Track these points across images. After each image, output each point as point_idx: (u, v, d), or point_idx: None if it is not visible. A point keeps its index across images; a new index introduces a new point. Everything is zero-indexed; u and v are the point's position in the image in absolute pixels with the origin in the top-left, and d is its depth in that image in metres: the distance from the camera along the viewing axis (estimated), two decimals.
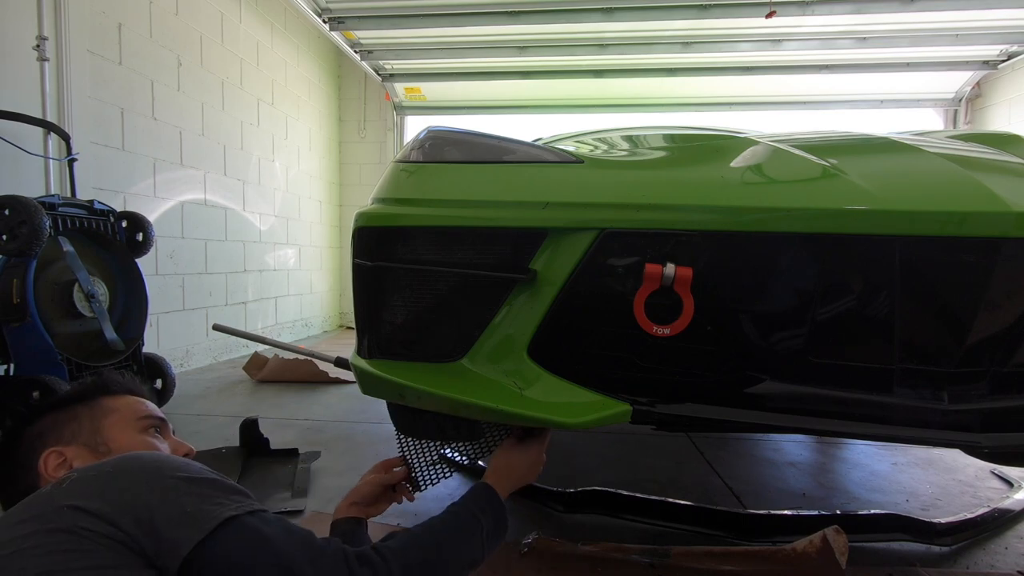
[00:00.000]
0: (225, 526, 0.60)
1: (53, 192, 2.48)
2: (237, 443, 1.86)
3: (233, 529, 0.61)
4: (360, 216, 1.18)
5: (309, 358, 2.88)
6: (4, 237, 1.97)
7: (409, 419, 1.48)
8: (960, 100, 5.12)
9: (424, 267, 1.09)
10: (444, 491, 1.66)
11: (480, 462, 1.83)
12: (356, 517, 1.02)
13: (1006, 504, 1.57)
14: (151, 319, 2.82)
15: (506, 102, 5.66)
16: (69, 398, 0.83)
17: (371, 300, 1.17)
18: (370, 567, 0.68)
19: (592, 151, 1.45)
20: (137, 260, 2.51)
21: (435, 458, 1.23)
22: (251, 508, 0.65)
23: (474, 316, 1.08)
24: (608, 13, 4.04)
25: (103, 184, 2.90)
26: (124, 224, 2.51)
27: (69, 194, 2.43)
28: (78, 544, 0.55)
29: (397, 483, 1.13)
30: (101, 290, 2.29)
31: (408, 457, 1.21)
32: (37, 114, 2.46)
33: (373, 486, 1.09)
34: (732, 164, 1.09)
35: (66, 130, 2.53)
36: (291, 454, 1.88)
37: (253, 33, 4.26)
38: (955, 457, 2.00)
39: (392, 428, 1.58)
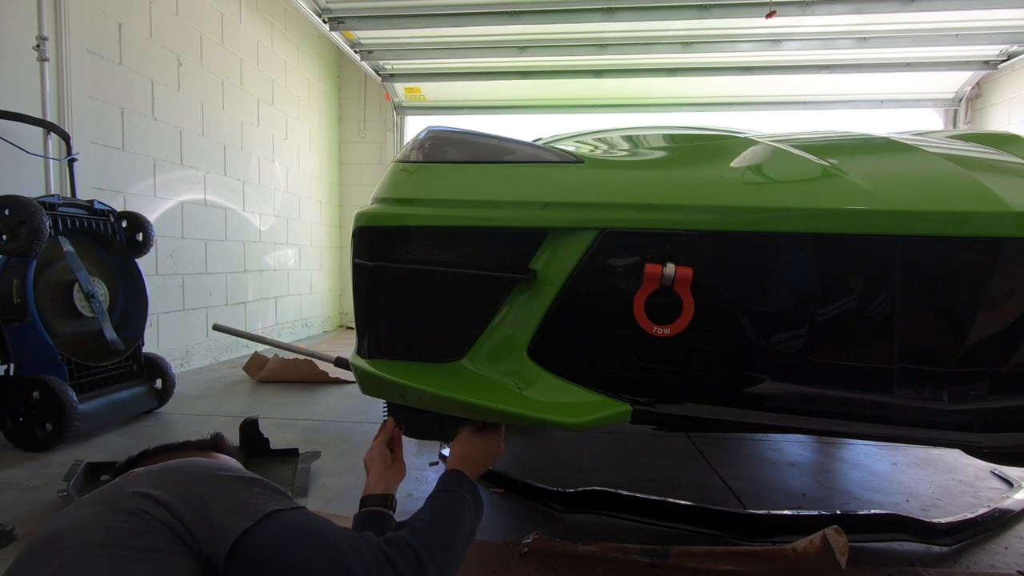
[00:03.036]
0: (269, 518, 0.66)
1: (53, 192, 2.48)
2: (237, 443, 1.86)
3: (277, 520, 0.67)
4: (360, 216, 1.18)
5: (309, 358, 2.88)
6: (4, 237, 1.97)
7: (409, 419, 1.48)
8: (960, 100, 5.12)
9: (424, 267, 1.09)
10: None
11: None
12: (384, 494, 1.06)
13: (1006, 504, 1.57)
14: (151, 319, 2.82)
15: (506, 102, 5.66)
16: (186, 444, 0.90)
17: (371, 300, 1.17)
18: (400, 552, 0.73)
19: (592, 151, 1.45)
20: (137, 260, 2.51)
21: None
22: (294, 506, 0.71)
23: (474, 316, 1.08)
24: (608, 13, 4.04)
25: (103, 184, 2.90)
26: (124, 224, 2.51)
27: (69, 194, 2.43)
28: (138, 525, 0.61)
29: (393, 433, 1.20)
30: (101, 290, 2.29)
31: (390, 412, 1.28)
32: (37, 114, 2.46)
33: (381, 450, 1.14)
34: (732, 164, 1.09)
35: (66, 130, 2.53)
36: (291, 454, 1.88)
37: (253, 33, 4.26)
38: (955, 457, 2.00)
39: None
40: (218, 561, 0.62)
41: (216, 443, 0.93)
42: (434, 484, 1.71)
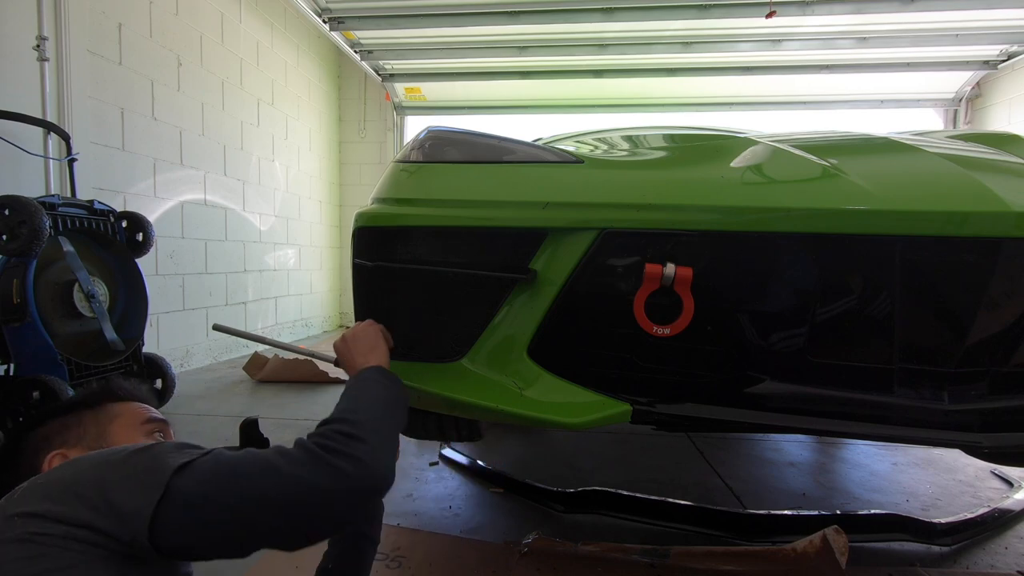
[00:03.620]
0: (178, 474, 0.58)
1: (53, 192, 2.48)
2: (237, 443, 1.86)
3: (188, 473, 0.59)
4: (360, 216, 1.18)
5: (309, 358, 2.88)
6: (4, 237, 1.97)
7: (409, 419, 1.48)
8: (960, 100, 5.12)
9: (424, 267, 1.09)
10: (444, 491, 1.66)
11: (480, 462, 1.84)
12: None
13: (1006, 504, 1.57)
14: (151, 319, 2.82)
15: (506, 102, 5.66)
16: (75, 403, 0.83)
17: (371, 300, 1.17)
18: (325, 437, 0.66)
19: (592, 151, 1.45)
20: (137, 260, 2.51)
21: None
22: (203, 451, 0.63)
23: (474, 316, 1.08)
24: (608, 13, 4.04)
25: (103, 184, 2.90)
26: (124, 224, 2.51)
27: (69, 194, 2.43)
28: (35, 551, 0.54)
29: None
30: (101, 290, 2.29)
31: None
32: (37, 114, 2.46)
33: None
34: (732, 164, 1.09)
35: (66, 130, 2.53)
36: None
37: (253, 33, 4.26)
38: (955, 457, 2.00)
39: None
40: (143, 542, 0.55)
41: (110, 391, 0.84)
42: (434, 484, 1.72)
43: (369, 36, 4.70)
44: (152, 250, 2.60)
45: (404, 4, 4.15)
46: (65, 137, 2.48)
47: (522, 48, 4.70)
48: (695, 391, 1.04)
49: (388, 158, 5.66)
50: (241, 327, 4.00)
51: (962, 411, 0.97)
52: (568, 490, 1.55)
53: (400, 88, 5.64)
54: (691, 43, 4.53)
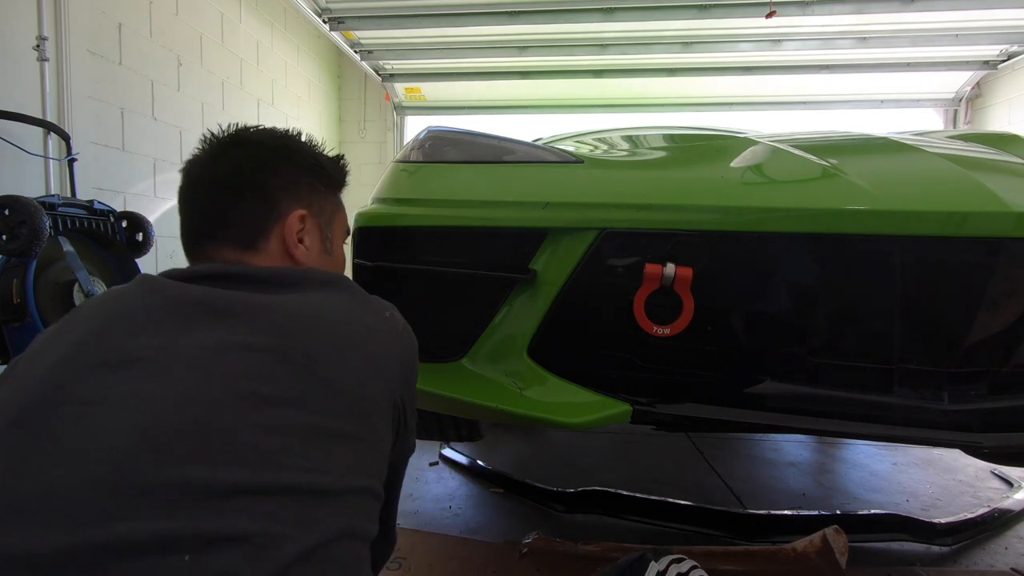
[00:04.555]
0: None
1: (53, 192, 2.48)
2: None
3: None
4: (360, 216, 1.18)
5: None
6: (4, 237, 1.97)
7: None
8: (960, 100, 5.12)
9: (424, 267, 1.09)
10: (444, 491, 1.66)
11: (480, 462, 1.84)
12: None
13: (1006, 504, 1.57)
14: None
15: (506, 102, 5.66)
16: (319, 164, 0.75)
17: None
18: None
19: (592, 151, 1.45)
20: (137, 260, 2.51)
21: None
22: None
23: (474, 316, 1.08)
24: (608, 13, 4.04)
25: (103, 184, 2.90)
26: (124, 224, 2.51)
27: (69, 194, 2.43)
28: None
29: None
30: (101, 290, 2.29)
31: None
32: (37, 114, 2.46)
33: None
34: (732, 164, 1.09)
35: (66, 130, 2.53)
36: None
37: (253, 33, 4.26)
38: (955, 457, 2.00)
39: None
40: None
41: (344, 177, 0.81)
42: (434, 484, 1.72)
43: (369, 36, 4.70)
44: (152, 250, 2.60)
45: (404, 4, 4.15)
46: (65, 137, 2.48)
47: (522, 48, 4.70)
48: (695, 391, 1.04)
49: (388, 158, 5.65)
50: None
51: (962, 411, 0.98)
52: (568, 490, 1.55)
53: (400, 88, 5.63)
54: (691, 43, 4.53)
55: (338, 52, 5.36)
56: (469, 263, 1.07)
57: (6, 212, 1.97)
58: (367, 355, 0.60)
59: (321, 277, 0.66)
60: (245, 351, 0.53)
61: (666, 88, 5.29)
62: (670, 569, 0.83)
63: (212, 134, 0.73)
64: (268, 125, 0.78)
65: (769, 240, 0.96)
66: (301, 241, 0.71)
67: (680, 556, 0.85)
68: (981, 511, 1.50)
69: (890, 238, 0.92)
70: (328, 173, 0.76)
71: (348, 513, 0.51)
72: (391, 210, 1.15)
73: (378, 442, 0.59)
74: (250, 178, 0.69)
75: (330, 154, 0.79)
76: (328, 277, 0.67)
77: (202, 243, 0.71)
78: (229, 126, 0.74)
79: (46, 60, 2.53)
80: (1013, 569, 1.26)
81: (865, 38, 4.40)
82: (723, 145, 1.26)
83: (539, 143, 1.39)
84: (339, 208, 0.79)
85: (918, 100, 5.28)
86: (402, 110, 5.86)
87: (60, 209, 2.22)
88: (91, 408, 0.48)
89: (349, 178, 0.82)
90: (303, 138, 0.78)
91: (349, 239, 1.04)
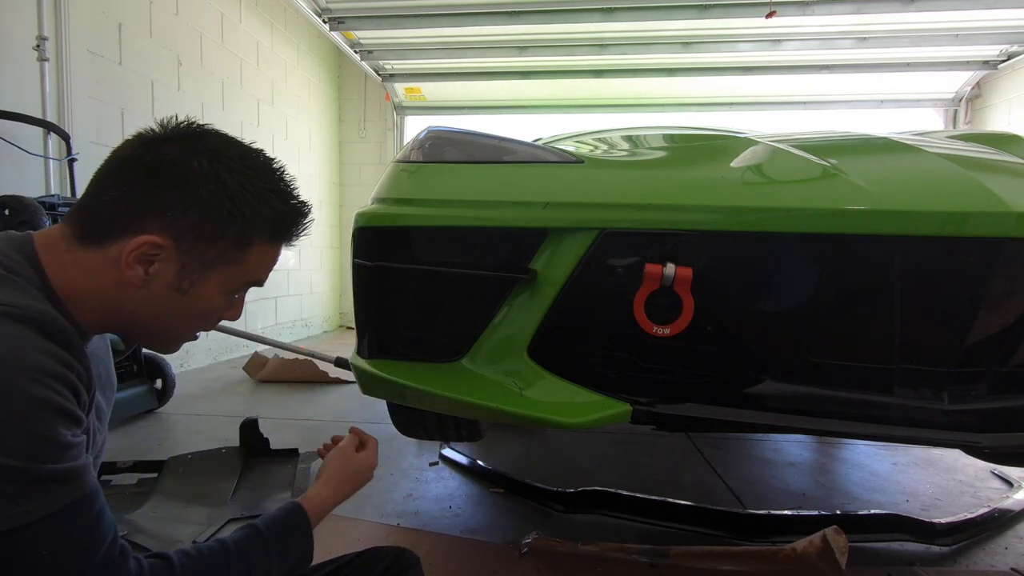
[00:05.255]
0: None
1: (53, 192, 2.48)
2: (237, 443, 1.86)
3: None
4: (360, 216, 1.18)
5: (309, 358, 2.88)
6: None
7: (409, 419, 1.48)
8: (960, 100, 5.12)
9: (424, 267, 1.09)
10: (444, 491, 1.66)
11: (480, 462, 1.84)
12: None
13: (1006, 504, 1.57)
14: None
15: (506, 102, 5.66)
16: (239, 210, 0.64)
17: (371, 300, 1.17)
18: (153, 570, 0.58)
19: (592, 151, 1.45)
20: None
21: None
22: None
23: (474, 316, 1.08)
24: (608, 13, 4.04)
25: None
26: None
27: (69, 194, 2.43)
28: None
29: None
30: None
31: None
32: (37, 114, 2.46)
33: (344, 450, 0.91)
34: (732, 164, 1.09)
35: (66, 130, 2.53)
36: (291, 454, 1.88)
37: (253, 33, 4.26)
38: (955, 457, 2.00)
39: (392, 429, 1.58)
40: None
41: (286, 231, 0.69)
42: (434, 484, 1.71)
43: (369, 36, 4.70)
44: None
45: (404, 4, 4.15)
46: (65, 137, 2.48)
47: (522, 48, 4.70)
48: (695, 391, 1.04)
49: (388, 158, 5.65)
50: (241, 327, 3.99)
51: (962, 411, 0.98)
52: (568, 490, 1.55)
53: (400, 88, 5.64)
54: (691, 43, 4.53)
55: (338, 52, 5.36)
56: (469, 263, 1.07)
57: (6, 212, 1.97)
58: None
59: None
60: None
61: (666, 88, 5.29)
62: None
63: (179, 121, 0.66)
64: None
65: (769, 240, 0.96)
66: (149, 263, 0.63)
67: None
68: (981, 511, 1.50)
69: (890, 238, 0.92)
70: (240, 222, 0.65)
71: None
72: (391, 210, 1.15)
73: None
74: (140, 178, 0.62)
75: (284, 204, 0.68)
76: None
77: (71, 212, 0.65)
78: (200, 123, 0.68)
79: (46, 60, 2.53)
80: (1013, 569, 1.26)
81: (865, 38, 4.40)
82: (723, 145, 1.26)
83: (539, 143, 1.39)
84: (233, 261, 0.67)
85: (918, 100, 5.28)
86: (402, 110, 5.86)
87: (60, 209, 2.22)
88: None
89: (314, 216, 0.72)
90: (278, 174, 0.69)
91: (349, 239, 1.01)
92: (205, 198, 0.63)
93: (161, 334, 0.71)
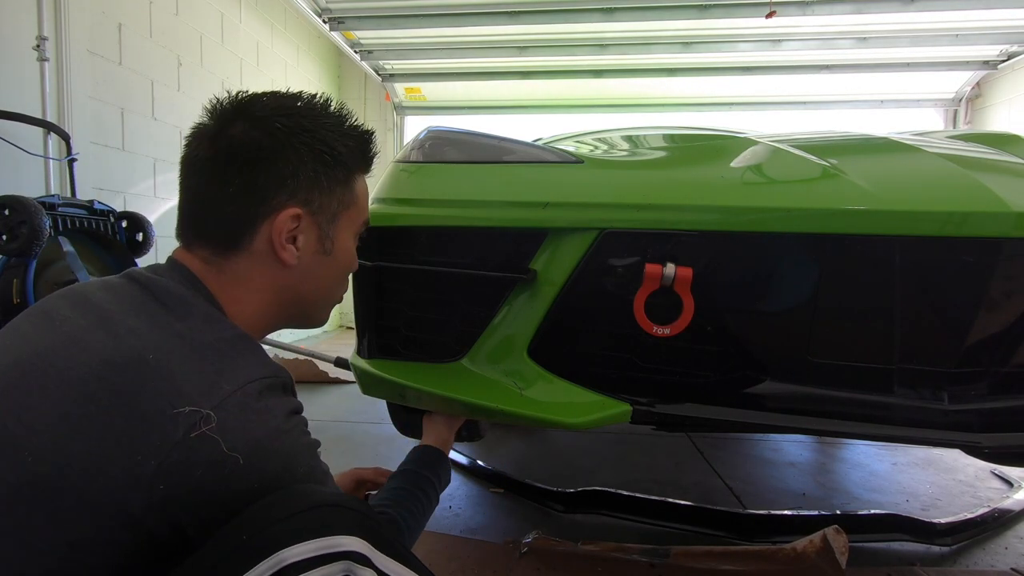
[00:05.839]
0: None
1: (53, 192, 2.48)
2: None
3: None
4: None
5: (309, 358, 2.88)
6: (4, 237, 1.97)
7: (409, 419, 1.48)
8: (960, 100, 5.12)
9: (424, 267, 1.09)
10: (444, 491, 1.66)
11: (480, 462, 1.84)
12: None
13: (1006, 504, 1.57)
14: None
15: (506, 102, 5.66)
16: (336, 152, 0.66)
17: (371, 300, 1.17)
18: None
19: (592, 151, 1.45)
20: (137, 260, 2.51)
21: None
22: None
23: (474, 316, 1.08)
24: (608, 13, 4.04)
25: (103, 184, 2.90)
26: (124, 224, 2.51)
27: (69, 194, 2.43)
28: None
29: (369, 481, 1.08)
30: None
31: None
32: (37, 114, 2.46)
33: (350, 478, 1.07)
34: (732, 164, 1.09)
35: (66, 130, 2.53)
36: None
37: (253, 33, 4.26)
38: (955, 457, 2.00)
39: (392, 428, 1.58)
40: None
41: (368, 152, 0.73)
42: None
43: (369, 36, 4.70)
44: (152, 250, 2.60)
45: (404, 4, 4.15)
46: (65, 137, 2.48)
47: (522, 48, 4.70)
48: (695, 391, 1.04)
49: (388, 158, 5.63)
50: None
51: (962, 411, 0.98)
52: (568, 490, 1.55)
53: (400, 88, 5.63)
54: (691, 43, 4.53)
55: (338, 52, 5.36)
56: (469, 263, 1.07)
57: (6, 212, 1.97)
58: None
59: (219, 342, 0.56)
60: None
61: (666, 88, 5.29)
62: None
63: (218, 101, 0.65)
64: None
65: (769, 240, 0.96)
66: (293, 241, 0.64)
67: None
68: (981, 511, 1.50)
69: (890, 238, 0.92)
70: (340, 162, 0.67)
71: None
72: (391, 210, 1.15)
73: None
74: (242, 166, 0.61)
75: (356, 129, 0.71)
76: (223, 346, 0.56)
77: (186, 234, 0.65)
78: (238, 93, 0.66)
79: (46, 60, 2.53)
80: (1013, 569, 1.26)
81: (865, 38, 4.40)
82: (723, 145, 1.26)
83: (539, 143, 1.39)
84: (349, 203, 0.70)
85: (918, 100, 5.28)
86: (402, 110, 5.86)
87: (60, 209, 2.22)
88: None
89: (375, 161, 0.75)
90: (331, 107, 0.69)
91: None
92: (305, 153, 0.64)
93: (322, 306, 0.74)
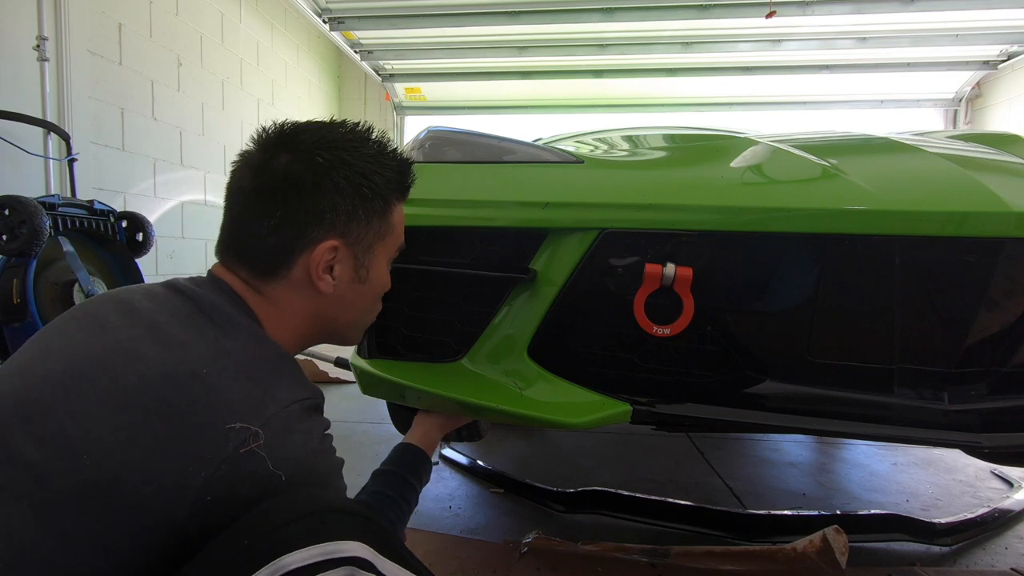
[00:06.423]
0: None
1: (53, 192, 2.48)
2: None
3: None
4: None
5: (309, 358, 2.88)
6: (4, 237, 1.97)
7: (409, 419, 1.48)
8: (960, 100, 5.12)
9: (424, 267, 1.09)
10: (444, 491, 1.66)
11: (480, 462, 1.84)
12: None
13: (1006, 504, 1.56)
14: None
15: (506, 102, 5.66)
16: (374, 184, 0.68)
17: None
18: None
19: (592, 151, 1.45)
20: (137, 260, 2.51)
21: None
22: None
23: (474, 316, 1.08)
24: (608, 13, 4.04)
25: (103, 184, 2.90)
26: (124, 224, 2.51)
27: (69, 194, 2.43)
28: None
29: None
30: (101, 290, 2.29)
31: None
32: (37, 114, 2.46)
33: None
34: (732, 164, 1.09)
35: (66, 130, 2.53)
36: None
37: (253, 33, 4.26)
38: (955, 457, 2.00)
39: (392, 428, 1.58)
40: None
41: (408, 182, 0.76)
42: (434, 484, 1.71)
43: (369, 36, 4.70)
44: (152, 250, 2.60)
45: (404, 4, 4.15)
46: (65, 137, 2.48)
47: (522, 48, 4.70)
48: (695, 391, 1.04)
49: None
50: None
51: (962, 411, 0.98)
52: (568, 490, 1.55)
53: (400, 88, 5.64)
54: (691, 43, 4.54)
55: (338, 52, 5.36)
56: (469, 263, 1.07)
57: (6, 212, 1.97)
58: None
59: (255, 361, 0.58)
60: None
61: (666, 88, 5.29)
62: None
63: (264, 130, 0.69)
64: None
65: (769, 240, 0.96)
66: (330, 270, 0.67)
67: None
68: (981, 511, 1.50)
69: (890, 238, 0.92)
70: (378, 193, 0.69)
71: None
72: None
73: None
74: (283, 200, 0.64)
75: (395, 159, 0.72)
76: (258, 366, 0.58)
77: (227, 254, 0.69)
78: (284, 123, 0.69)
79: (46, 60, 2.53)
80: (1013, 569, 1.26)
81: (865, 38, 4.41)
82: (723, 145, 1.26)
83: (539, 143, 1.39)
84: (385, 233, 0.72)
85: (918, 100, 5.28)
86: (402, 110, 5.86)
87: (60, 209, 2.22)
88: None
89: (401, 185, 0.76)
90: (372, 136, 0.72)
91: None
92: (344, 187, 0.66)
93: (357, 328, 0.77)
